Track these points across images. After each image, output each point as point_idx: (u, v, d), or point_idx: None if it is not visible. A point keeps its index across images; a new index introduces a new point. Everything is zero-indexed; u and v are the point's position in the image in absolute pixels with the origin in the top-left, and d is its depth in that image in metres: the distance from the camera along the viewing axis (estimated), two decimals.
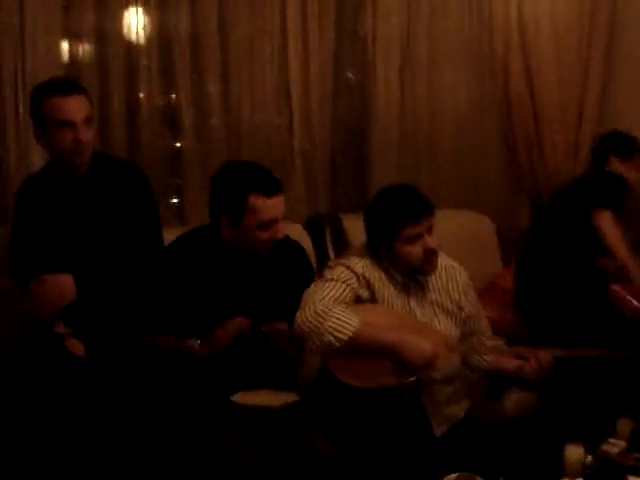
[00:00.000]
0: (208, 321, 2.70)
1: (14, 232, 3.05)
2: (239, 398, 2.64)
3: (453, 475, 2.35)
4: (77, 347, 2.78)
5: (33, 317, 2.85)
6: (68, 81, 2.97)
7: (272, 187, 2.66)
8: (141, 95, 3.70)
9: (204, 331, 2.70)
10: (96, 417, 2.70)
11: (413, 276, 2.74)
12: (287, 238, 2.88)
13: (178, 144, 3.86)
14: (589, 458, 2.54)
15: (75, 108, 2.81)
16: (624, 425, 2.69)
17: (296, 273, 2.85)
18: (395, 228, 2.65)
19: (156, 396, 2.73)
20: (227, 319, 2.71)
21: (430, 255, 2.68)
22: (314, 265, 3.18)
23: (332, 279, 2.66)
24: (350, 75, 4.23)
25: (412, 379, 2.59)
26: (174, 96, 3.81)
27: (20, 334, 2.95)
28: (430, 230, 2.67)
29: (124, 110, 3.64)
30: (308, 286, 2.69)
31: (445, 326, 2.78)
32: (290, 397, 2.67)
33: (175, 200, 3.88)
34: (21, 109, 3.36)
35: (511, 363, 2.79)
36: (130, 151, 3.67)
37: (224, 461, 2.51)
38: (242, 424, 2.59)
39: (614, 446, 2.63)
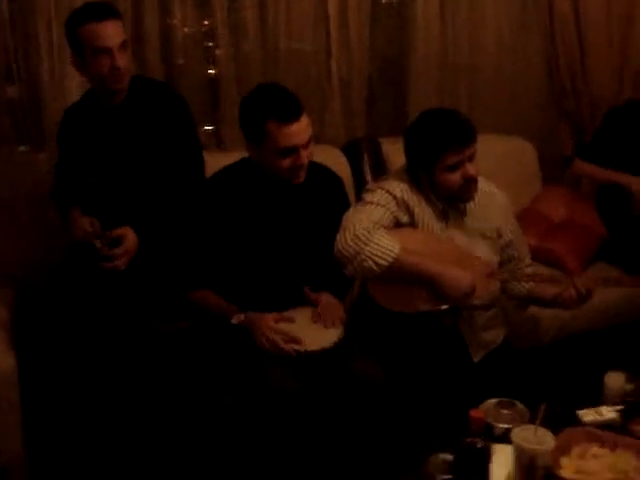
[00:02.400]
0: (246, 254, 2.69)
1: (59, 160, 3.11)
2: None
3: (493, 400, 2.34)
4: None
5: (76, 239, 2.90)
6: (103, 5, 2.91)
7: (290, 113, 2.58)
8: (175, 21, 3.63)
9: (242, 264, 2.69)
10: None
11: (452, 202, 2.71)
12: (322, 166, 2.86)
13: (213, 70, 3.81)
14: (630, 386, 2.53)
15: (111, 34, 2.82)
16: None
17: (331, 201, 2.82)
18: (436, 155, 2.60)
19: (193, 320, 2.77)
20: (263, 250, 2.70)
21: (469, 183, 2.65)
22: (352, 189, 3.16)
23: (372, 202, 2.63)
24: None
25: (445, 307, 2.60)
26: (208, 22, 3.75)
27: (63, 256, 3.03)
28: (472, 158, 2.63)
29: (158, 35, 3.57)
30: (342, 214, 2.66)
31: (484, 252, 2.75)
32: (333, 331, 2.62)
33: (210, 127, 3.83)
34: (55, 36, 3.32)
35: (549, 291, 2.76)
36: (165, 77, 3.62)
37: (260, 388, 2.53)
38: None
39: None
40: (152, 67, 3.56)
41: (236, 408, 2.52)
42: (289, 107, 2.60)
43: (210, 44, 3.80)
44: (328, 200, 2.81)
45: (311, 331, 2.62)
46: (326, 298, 2.71)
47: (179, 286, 2.74)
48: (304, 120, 2.61)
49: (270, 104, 2.60)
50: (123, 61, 2.84)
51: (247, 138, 2.67)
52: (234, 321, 2.61)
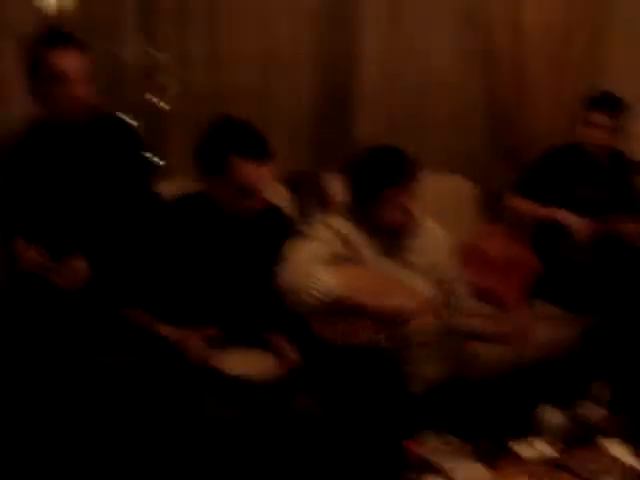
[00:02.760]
0: (191, 283, 2.68)
1: (3, 183, 3.01)
2: (223, 365, 2.58)
3: (431, 433, 2.36)
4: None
5: (23, 269, 2.82)
6: (64, 34, 2.88)
7: (261, 154, 2.58)
8: (124, 52, 3.63)
9: (186, 294, 2.68)
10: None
11: (394, 237, 2.74)
12: (273, 204, 2.87)
13: (161, 103, 3.81)
14: (565, 420, 2.57)
15: (72, 62, 2.76)
16: (599, 389, 2.72)
17: (279, 240, 2.79)
18: (378, 191, 2.64)
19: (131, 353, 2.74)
20: (209, 282, 2.68)
21: (409, 219, 2.69)
22: (294, 223, 3.16)
23: (313, 237, 2.66)
24: (335, 33, 4.17)
25: (384, 338, 2.61)
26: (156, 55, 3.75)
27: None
28: (413, 195, 2.66)
29: (105, 66, 3.53)
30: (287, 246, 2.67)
31: (425, 288, 2.78)
32: (276, 367, 2.62)
33: (158, 160, 3.82)
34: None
35: (487, 327, 2.80)
36: (113, 108, 3.57)
37: (196, 420, 2.50)
38: (223, 390, 2.55)
39: (589, 409, 2.66)
40: (100, 98, 3.52)
41: (173, 439, 2.50)
42: (260, 146, 2.60)
43: (158, 77, 3.79)
44: (277, 238, 2.79)
45: (249, 361, 2.62)
46: (285, 342, 2.71)
47: (116, 302, 2.72)
48: (271, 165, 2.62)
49: (241, 140, 2.59)
50: (82, 91, 2.79)
51: (205, 169, 2.65)
52: (163, 332, 2.60)
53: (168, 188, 3.07)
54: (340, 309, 2.56)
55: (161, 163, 3.77)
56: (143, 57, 3.70)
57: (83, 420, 2.72)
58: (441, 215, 3.01)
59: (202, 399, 2.52)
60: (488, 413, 2.73)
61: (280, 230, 2.85)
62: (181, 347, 2.58)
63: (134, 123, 3.60)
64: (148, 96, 3.76)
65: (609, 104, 3.84)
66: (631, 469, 2.36)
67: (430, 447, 2.31)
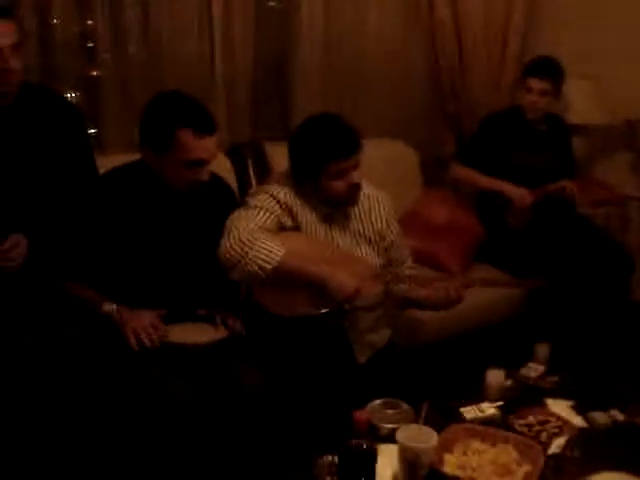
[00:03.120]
0: (132, 257, 2.65)
1: None
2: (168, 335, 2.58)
3: (378, 401, 2.38)
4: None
5: None
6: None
7: (207, 126, 2.55)
8: (55, 20, 3.54)
9: (128, 268, 2.65)
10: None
11: (336, 206, 2.74)
12: (214, 174, 2.83)
13: (95, 72, 3.73)
14: (509, 382, 2.62)
15: (1, 33, 2.62)
16: (542, 350, 2.77)
17: (221, 211, 2.76)
18: (321, 165, 2.61)
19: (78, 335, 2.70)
20: (150, 255, 2.65)
21: (354, 189, 2.68)
22: (236, 193, 3.15)
23: (255, 206, 2.63)
24: (273, 3, 4.14)
25: (325, 310, 2.62)
26: (89, 22, 3.65)
27: None
28: (356, 166, 2.65)
29: (37, 35, 3.44)
30: (231, 216, 2.65)
31: (367, 255, 2.80)
32: (219, 333, 2.63)
33: (91, 130, 3.75)
34: None
35: (422, 292, 2.81)
36: (45, 78, 3.50)
37: (148, 397, 2.48)
38: (170, 361, 2.54)
39: (533, 370, 2.71)
40: (31, 67, 3.42)
41: (120, 414, 2.49)
42: (206, 119, 2.57)
43: (91, 45, 3.70)
44: (218, 209, 2.76)
45: (191, 330, 2.63)
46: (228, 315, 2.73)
47: (57, 277, 2.67)
48: (216, 136, 2.60)
49: (187, 113, 2.55)
50: (14, 63, 2.65)
51: (147, 143, 2.60)
52: (106, 307, 2.59)
53: (105, 163, 3.01)
54: (285, 280, 2.55)
55: (93, 131, 3.69)
56: (77, 26, 3.60)
57: (27, 398, 2.68)
58: (384, 181, 3.02)
59: (150, 373, 2.51)
60: (436, 378, 2.76)
61: (222, 200, 2.83)
62: (121, 328, 2.56)
63: (73, 94, 3.54)
64: (83, 66, 3.68)
65: (547, 69, 3.87)
66: (571, 425, 2.41)
67: (378, 414, 2.32)
